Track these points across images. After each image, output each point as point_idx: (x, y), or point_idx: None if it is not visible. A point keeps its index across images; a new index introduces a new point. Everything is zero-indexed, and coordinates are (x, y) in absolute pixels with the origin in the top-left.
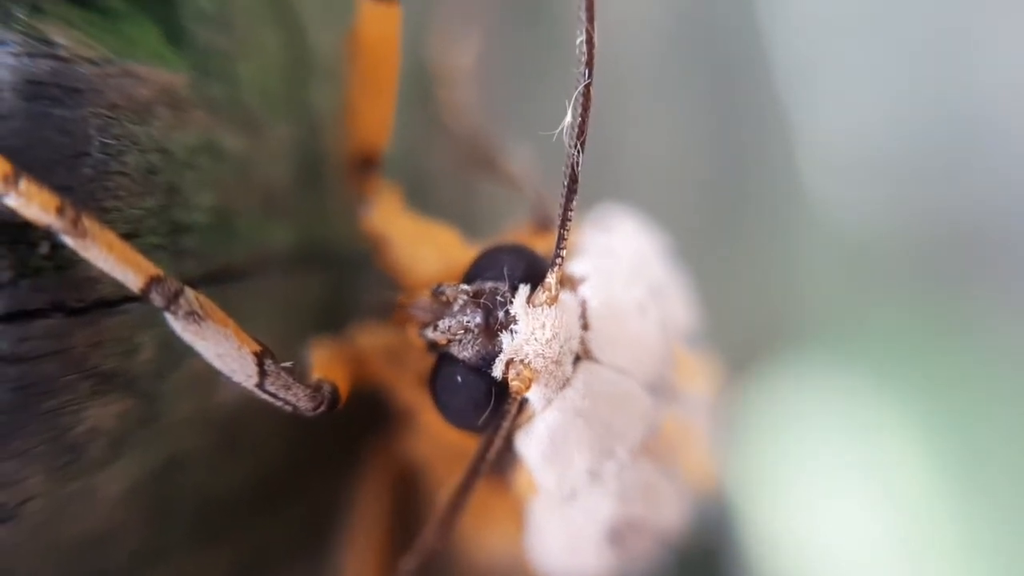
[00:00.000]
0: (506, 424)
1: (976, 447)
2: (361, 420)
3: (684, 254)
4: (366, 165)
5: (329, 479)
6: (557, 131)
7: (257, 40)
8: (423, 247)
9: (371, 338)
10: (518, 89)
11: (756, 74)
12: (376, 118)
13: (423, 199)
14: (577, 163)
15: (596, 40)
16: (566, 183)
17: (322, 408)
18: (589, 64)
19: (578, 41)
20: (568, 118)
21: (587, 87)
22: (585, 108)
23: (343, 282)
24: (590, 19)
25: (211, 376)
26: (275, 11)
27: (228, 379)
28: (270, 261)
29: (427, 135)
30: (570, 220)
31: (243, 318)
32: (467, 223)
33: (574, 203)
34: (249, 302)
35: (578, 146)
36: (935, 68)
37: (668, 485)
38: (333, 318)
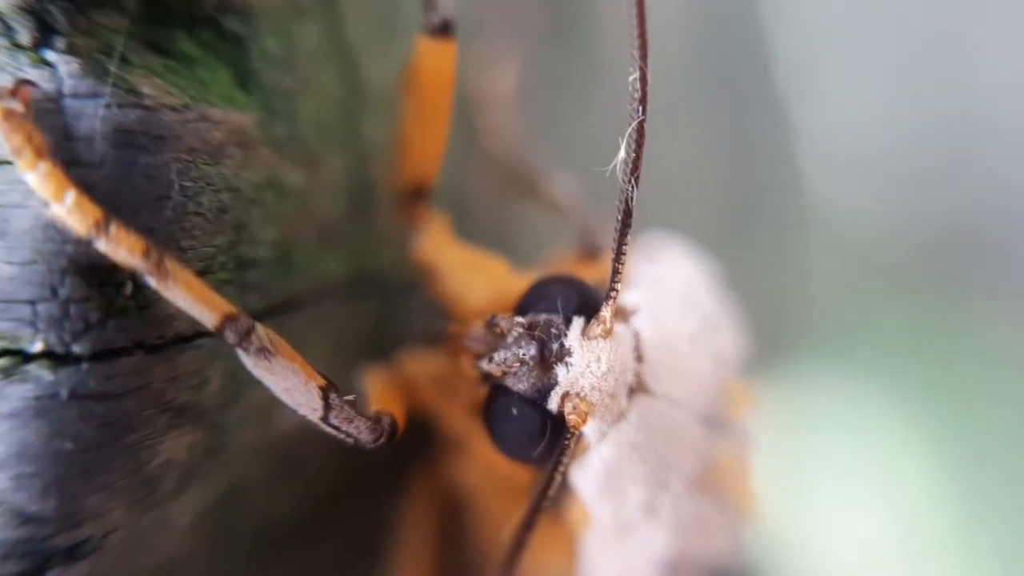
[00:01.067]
0: (566, 459)
1: (979, 449)
2: (408, 445)
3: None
4: (417, 195)
5: (377, 503)
6: (610, 167)
7: (316, 77)
8: (473, 276)
9: (420, 365)
10: (557, 114)
11: (757, 75)
12: (428, 150)
13: (462, 224)
14: (631, 198)
15: (649, 77)
16: (620, 217)
17: (381, 440)
18: (643, 101)
19: (631, 78)
20: (621, 153)
21: (640, 123)
22: (639, 144)
23: (390, 309)
24: (643, 56)
25: (270, 406)
26: (333, 49)
27: (291, 411)
28: (324, 290)
29: (467, 161)
30: (624, 254)
31: (300, 346)
32: (507, 249)
33: (628, 237)
34: (305, 331)
35: (632, 181)
36: (937, 69)
37: (721, 517)
38: (380, 344)
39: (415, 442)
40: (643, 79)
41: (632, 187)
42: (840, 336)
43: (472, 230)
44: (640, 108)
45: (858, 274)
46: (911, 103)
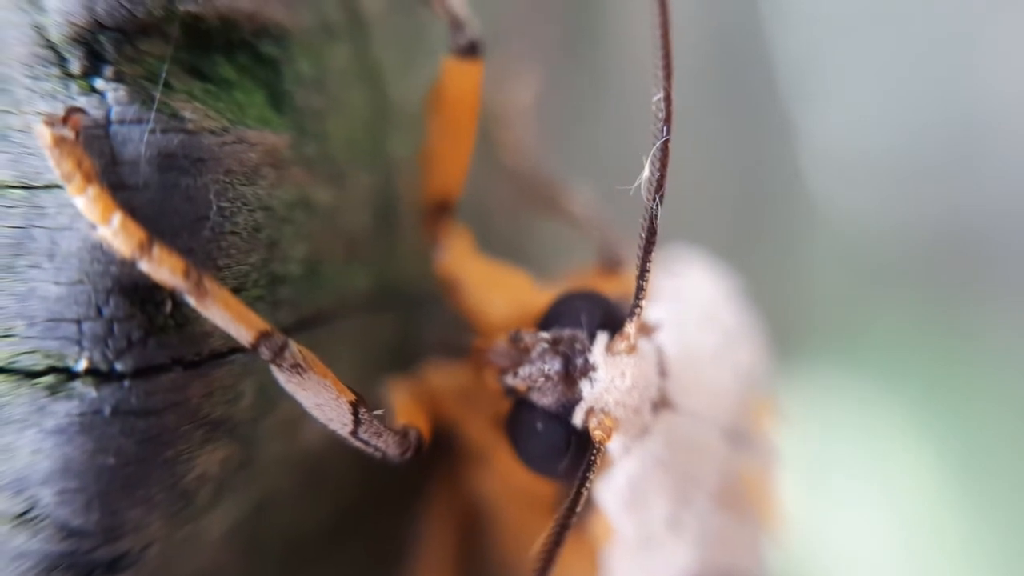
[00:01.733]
0: (592, 475)
1: (981, 449)
2: (430, 456)
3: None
4: (441, 210)
5: (398, 513)
6: (634, 185)
7: (345, 96)
8: (496, 290)
9: (443, 377)
10: (572, 127)
11: (761, 78)
12: (453, 168)
13: (482, 237)
14: (656, 216)
15: (674, 98)
16: (644, 235)
17: (408, 454)
18: (667, 121)
19: (655, 99)
20: (646, 172)
21: (665, 143)
22: (663, 163)
23: (414, 321)
24: (667, 76)
25: (298, 419)
26: (361, 69)
27: (318, 424)
28: (351, 304)
29: (487, 175)
30: (648, 271)
31: (328, 361)
32: (527, 261)
33: (653, 254)
34: (333, 345)
35: (657, 200)
36: (940, 71)
37: (745, 532)
38: (405, 357)
39: (437, 453)
40: (667, 99)
41: (657, 205)
42: (843, 337)
43: (493, 243)
44: (665, 128)
45: (861, 276)
46: (914, 105)
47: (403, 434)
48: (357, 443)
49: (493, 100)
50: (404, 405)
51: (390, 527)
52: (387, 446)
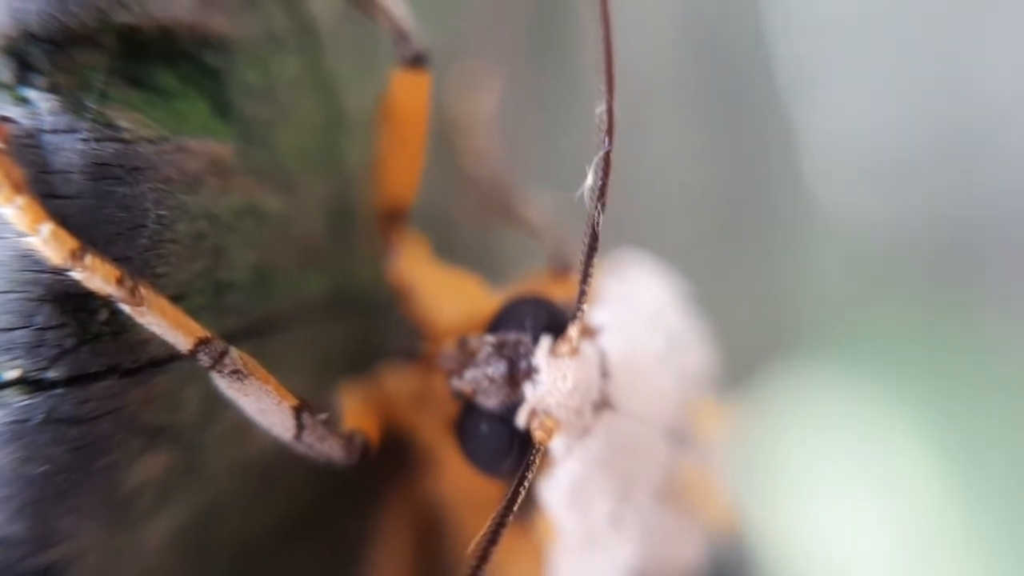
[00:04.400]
0: (531, 475)
1: (982, 447)
2: (385, 461)
3: (689, 262)
4: (394, 218)
5: (354, 517)
6: (578, 193)
7: (295, 105)
8: (447, 295)
9: (397, 382)
10: (538, 135)
11: (760, 79)
12: (405, 176)
13: (443, 243)
14: (598, 223)
15: (616, 111)
16: (587, 242)
17: (355, 459)
18: (609, 132)
19: (598, 111)
20: (589, 180)
21: (607, 153)
22: (606, 172)
23: (369, 327)
24: (610, 89)
25: (247, 425)
26: (312, 78)
27: (266, 431)
28: (304, 310)
29: (447, 180)
30: (591, 276)
31: (278, 366)
32: (487, 266)
33: (595, 259)
34: (287, 351)
35: (599, 207)
36: (940, 71)
37: (686, 528)
38: (360, 362)
39: (392, 457)
40: (610, 111)
41: (598, 212)
42: (843, 336)
43: (455, 250)
44: (607, 139)
45: (861, 273)
46: (914, 103)
47: (349, 439)
48: (301, 448)
49: (455, 107)
50: (353, 409)
51: (345, 531)
52: (332, 451)
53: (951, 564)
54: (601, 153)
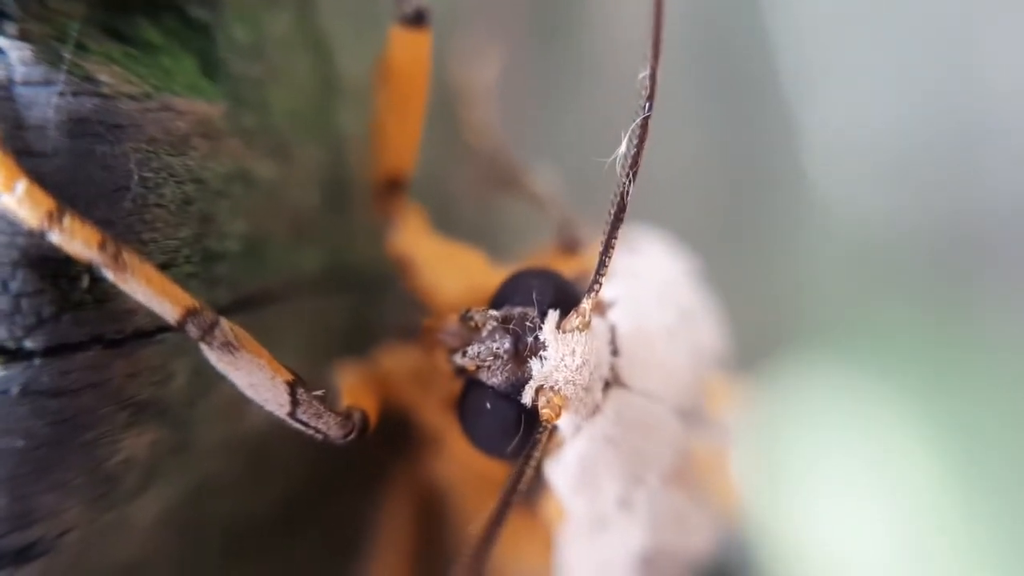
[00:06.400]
0: (536, 454)
1: (982, 443)
2: (385, 441)
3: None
4: (393, 188)
5: (354, 499)
6: (610, 159)
7: (288, 66)
8: (449, 270)
9: (397, 360)
10: (543, 108)
11: (761, 76)
12: (404, 142)
13: (444, 218)
14: (627, 192)
15: (659, 75)
16: (613, 211)
17: (352, 436)
18: (650, 98)
19: (640, 76)
20: (623, 148)
21: (645, 120)
22: (641, 140)
23: (368, 303)
24: (655, 55)
25: (240, 401)
26: (305, 37)
27: (260, 408)
28: (299, 285)
29: (449, 154)
30: (613, 247)
31: (273, 342)
32: (490, 242)
33: (619, 231)
34: (278, 326)
35: (630, 176)
36: (940, 66)
37: (698, 511)
38: (358, 339)
39: (394, 437)
40: (653, 76)
41: (629, 181)
42: (843, 331)
43: (455, 223)
44: (647, 105)
45: (861, 271)
46: (915, 97)
47: (346, 416)
48: (296, 424)
49: (457, 78)
50: (351, 387)
51: (346, 514)
52: (328, 428)
53: (950, 560)
54: (639, 119)
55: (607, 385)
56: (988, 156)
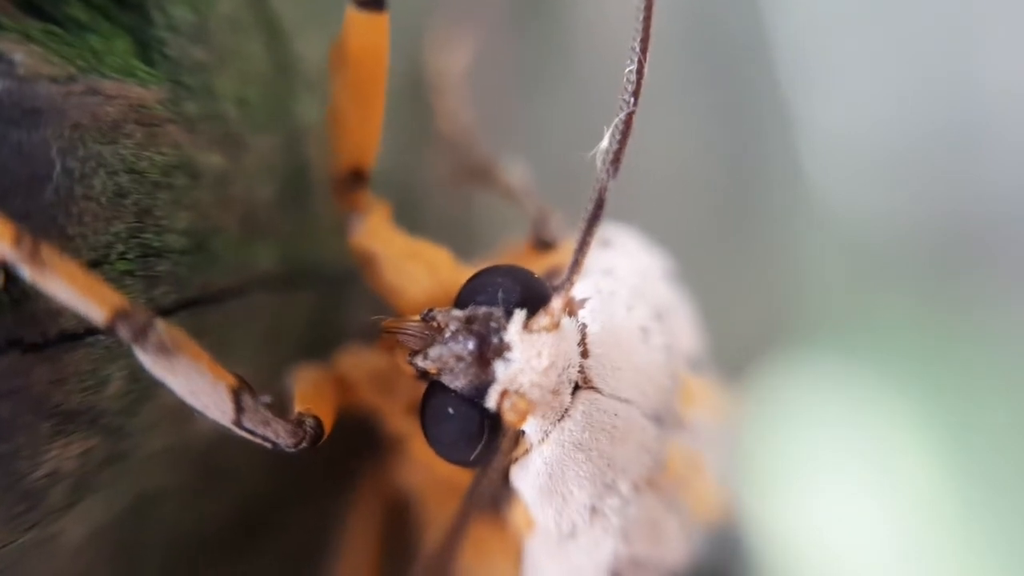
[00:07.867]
0: (499, 460)
1: (982, 442)
2: (349, 446)
3: (688, 253)
4: (354, 180)
5: (316, 509)
6: (591, 153)
7: (237, 49)
8: (413, 267)
9: (358, 363)
10: (518, 95)
11: (759, 72)
12: (364, 132)
13: (414, 213)
14: (606, 188)
15: (648, 72)
16: (591, 208)
17: (303, 444)
18: (636, 93)
19: (627, 69)
20: (604, 142)
21: (630, 115)
22: (624, 135)
23: (330, 302)
24: (643, 50)
25: (184, 409)
26: (256, 18)
27: (202, 415)
28: (252, 282)
29: (419, 144)
30: (588, 245)
31: (223, 343)
32: (462, 239)
33: (596, 227)
34: (229, 326)
35: (610, 172)
36: (939, 63)
37: (673, 520)
38: (318, 341)
39: (357, 443)
40: (639, 70)
41: (608, 177)
42: (841, 328)
43: (427, 218)
44: (632, 100)
45: (858, 266)
46: (913, 94)
47: (297, 423)
48: (242, 432)
49: (429, 63)
50: (305, 392)
51: (309, 521)
52: (277, 436)
53: (948, 555)
54: (623, 115)
55: (576, 388)
56: (985, 153)
